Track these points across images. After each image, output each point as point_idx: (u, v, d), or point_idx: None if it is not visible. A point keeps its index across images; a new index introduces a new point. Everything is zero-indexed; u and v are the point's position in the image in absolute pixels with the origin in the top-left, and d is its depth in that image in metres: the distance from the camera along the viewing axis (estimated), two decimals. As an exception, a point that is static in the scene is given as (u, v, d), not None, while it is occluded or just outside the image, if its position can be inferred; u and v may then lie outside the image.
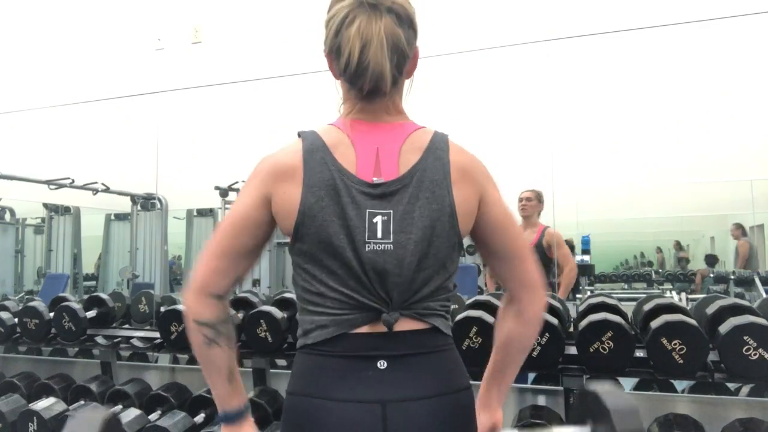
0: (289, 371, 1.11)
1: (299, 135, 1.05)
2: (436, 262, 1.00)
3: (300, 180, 0.98)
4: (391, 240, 0.97)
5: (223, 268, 1.02)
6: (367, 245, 0.96)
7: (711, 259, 6.29)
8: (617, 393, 1.01)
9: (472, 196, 1.03)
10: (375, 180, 0.98)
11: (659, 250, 7.23)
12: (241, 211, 1.03)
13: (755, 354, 1.64)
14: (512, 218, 1.08)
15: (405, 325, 0.99)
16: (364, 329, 0.98)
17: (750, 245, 6.14)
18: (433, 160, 1.00)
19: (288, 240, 1.04)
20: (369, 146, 1.01)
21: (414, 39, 1.03)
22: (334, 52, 1.01)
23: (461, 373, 1.04)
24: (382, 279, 0.97)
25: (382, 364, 0.97)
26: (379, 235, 0.97)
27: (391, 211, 0.98)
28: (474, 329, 1.89)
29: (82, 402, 2.41)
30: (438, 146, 1.02)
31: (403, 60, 1.01)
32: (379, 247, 0.97)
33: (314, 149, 1.00)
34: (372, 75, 0.97)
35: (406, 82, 1.08)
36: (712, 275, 5.74)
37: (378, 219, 0.97)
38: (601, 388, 0.97)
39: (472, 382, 1.06)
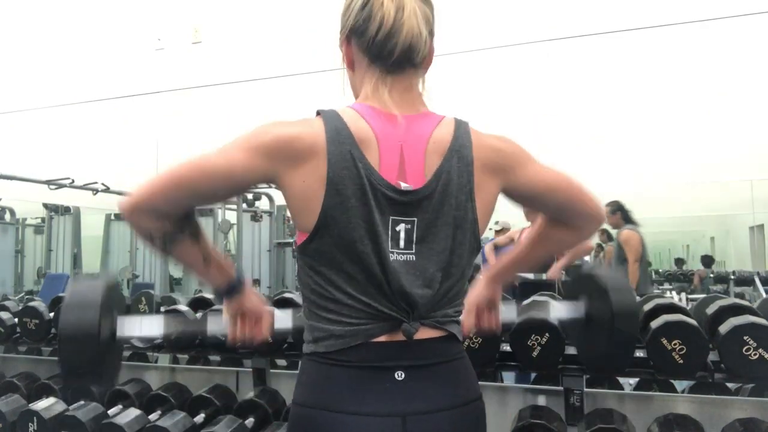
0: (290, 371, 1.10)
1: (318, 113, 0.96)
2: (458, 270, 0.97)
3: (321, 170, 0.90)
4: (414, 250, 0.93)
5: (176, 198, 0.94)
6: (391, 254, 0.91)
7: (707, 260, 6.27)
8: (611, 272, 1.07)
9: (493, 193, 1.00)
10: (403, 186, 0.92)
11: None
12: (230, 164, 0.91)
13: (755, 354, 1.64)
14: (547, 176, 1.03)
15: (423, 333, 0.94)
16: (381, 339, 0.93)
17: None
18: (457, 161, 0.95)
19: (289, 240, 1.03)
20: (393, 142, 0.94)
21: (433, 29, 1.01)
22: (359, 25, 0.95)
23: (475, 382, 1.02)
24: (405, 290, 0.91)
25: (399, 375, 0.92)
26: (402, 244, 0.93)
27: (415, 219, 0.93)
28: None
29: (82, 402, 2.41)
30: (461, 142, 0.96)
31: (431, 37, 0.99)
32: (401, 257, 0.92)
33: (341, 139, 0.91)
34: (407, 36, 0.93)
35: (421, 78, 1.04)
36: (711, 275, 5.73)
37: (401, 227, 0.93)
38: (594, 269, 1.00)
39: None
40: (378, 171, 0.91)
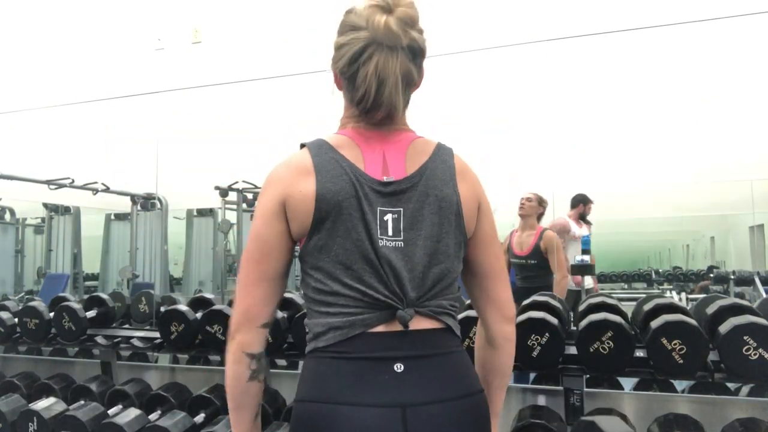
0: (290, 371, 1.11)
1: (303, 145, 1.05)
2: (445, 259, 1.01)
3: (313, 178, 0.98)
4: (402, 237, 0.99)
5: (265, 295, 1.01)
6: (380, 240, 0.97)
7: (712, 270, 6.23)
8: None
9: (473, 200, 1.06)
10: (385, 179, 1.00)
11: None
12: (262, 229, 1.01)
13: (755, 354, 1.64)
14: (497, 237, 1.12)
15: (420, 323, 0.99)
16: (379, 329, 0.97)
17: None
18: (440, 163, 1.04)
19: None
20: (375, 149, 1.03)
21: (422, 64, 1.06)
22: (346, 78, 1.03)
23: (475, 376, 1.05)
24: (396, 274, 0.97)
25: (399, 367, 0.96)
26: (390, 232, 0.98)
27: (401, 209, 0.99)
28: (474, 329, 1.89)
29: (82, 402, 2.41)
30: (444, 152, 1.06)
31: (412, 88, 1.06)
32: (390, 243, 0.98)
33: (323, 151, 1.01)
34: (385, 109, 1.01)
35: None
36: (711, 275, 5.72)
37: (388, 217, 0.99)
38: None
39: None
40: (363, 170, 1.00)
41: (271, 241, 1.00)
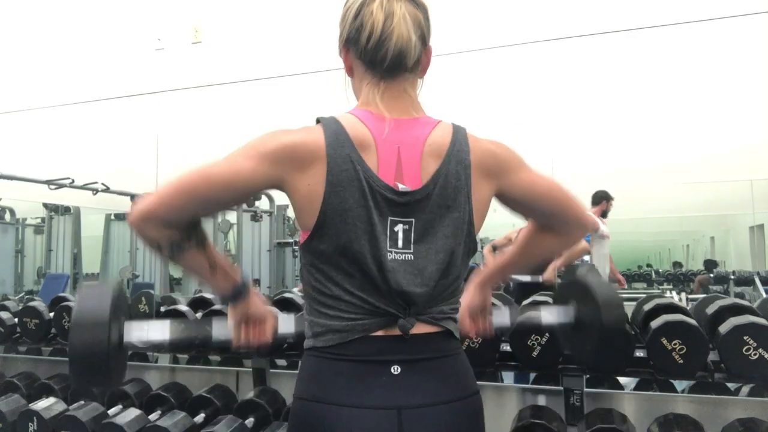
0: (290, 371, 1.11)
1: (318, 121, 0.99)
2: (455, 270, 1.00)
3: (323, 173, 0.93)
4: (412, 250, 0.96)
5: (182, 207, 0.94)
6: (389, 254, 0.94)
7: (710, 264, 6.25)
8: (598, 277, 1.12)
9: (487, 196, 1.03)
10: (401, 187, 0.95)
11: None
12: (235, 171, 0.93)
13: (755, 354, 1.64)
14: (539, 182, 1.06)
15: (420, 328, 0.97)
16: (378, 333, 0.96)
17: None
18: (455, 164, 0.98)
19: (289, 240, 1.04)
20: (390, 145, 0.97)
21: (429, 31, 1.03)
22: (353, 34, 0.99)
23: (472, 377, 1.04)
24: (403, 288, 0.94)
25: (395, 370, 0.95)
26: (400, 244, 0.95)
27: (413, 220, 0.96)
28: (474, 329, 1.89)
29: (82, 402, 2.41)
30: (459, 147, 0.99)
31: (423, 41, 1.01)
32: (400, 256, 0.95)
33: (339, 143, 0.94)
34: (396, 42, 0.96)
35: (417, 82, 1.06)
36: (711, 275, 5.72)
37: (399, 228, 0.95)
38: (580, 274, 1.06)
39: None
40: (376, 173, 0.94)
41: (239, 184, 0.94)
